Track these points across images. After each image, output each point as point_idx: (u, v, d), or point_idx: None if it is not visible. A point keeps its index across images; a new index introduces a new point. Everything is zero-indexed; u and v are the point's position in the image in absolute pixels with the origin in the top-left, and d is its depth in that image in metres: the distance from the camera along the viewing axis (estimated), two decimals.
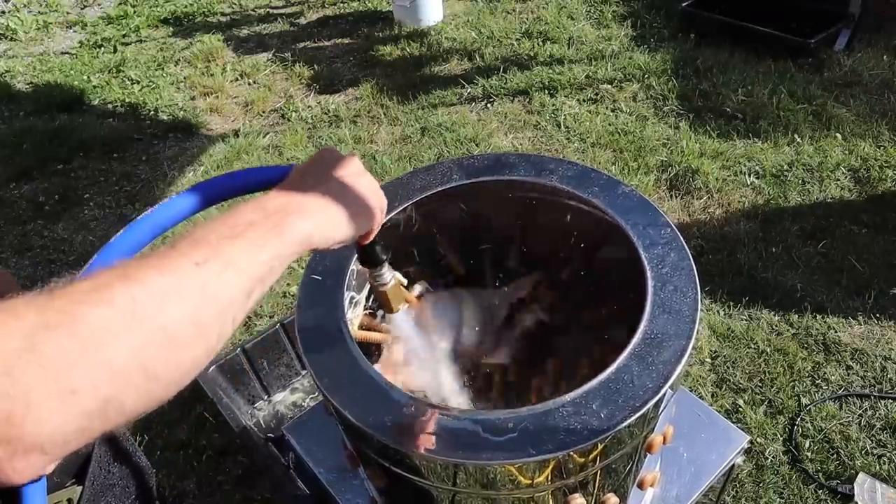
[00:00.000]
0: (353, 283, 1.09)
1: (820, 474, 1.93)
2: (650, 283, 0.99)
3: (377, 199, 0.78)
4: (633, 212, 1.10)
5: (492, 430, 0.84)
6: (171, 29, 4.72)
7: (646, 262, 1.02)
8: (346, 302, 1.04)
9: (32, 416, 0.43)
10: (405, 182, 1.21)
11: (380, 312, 1.20)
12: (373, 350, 1.21)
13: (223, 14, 4.85)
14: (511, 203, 1.25)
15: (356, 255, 1.09)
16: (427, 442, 0.84)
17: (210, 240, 0.57)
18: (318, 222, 0.68)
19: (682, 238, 1.05)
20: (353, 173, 0.76)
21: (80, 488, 0.85)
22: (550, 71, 3.70)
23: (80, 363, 0.45)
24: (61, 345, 0.45)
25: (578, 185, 1.16)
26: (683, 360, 0.89)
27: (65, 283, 0.49)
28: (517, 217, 1.28)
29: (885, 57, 3.47)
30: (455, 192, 1.21)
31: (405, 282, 1.00)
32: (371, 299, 1.17)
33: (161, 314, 0.51)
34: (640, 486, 1.15)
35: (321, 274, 1.07)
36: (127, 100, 3.95)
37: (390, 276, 0.94)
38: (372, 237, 0.84)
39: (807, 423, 2.04)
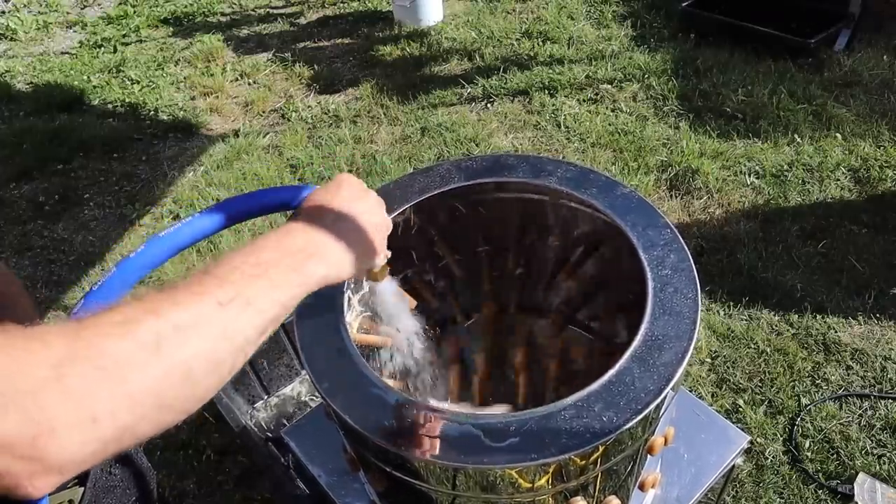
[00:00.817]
0: (352, 285, 1.09)
1: (820, 474, 1.93)
2: (650, 284, 0.99)
3: (383, 233, 0.84)
4: (632, 213, 1.10)
5: (493, 433, 0.84)
6: (171, 29, 4.72)
7: (646, 264, 1.01)
8: (345, 304, 1.04)
9: (55, 441, 0.46)
10: (404, 184, 1.21)
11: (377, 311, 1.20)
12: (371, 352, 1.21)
13: (223, 14, 4.85)
14: (510, 205, 1.25)
15: None
16: (427, 445, 0.84)
17: (234, 279, 0.60)
18: (334, 264, 0.73)
19: (681, 239, 1.05)
20: (368, 210, 0.80)
21: (81, 489, 0.85)
22: (550, 71, 3.70)
23: (102, 394, 0.48)
24: (86, 376, 0.48)
25: (577, 187, 1.15)
26: (684, 362, 0.89)
27: (91, 314, 0.52)
28: (516, 219, 1.28)
29: (885, 57, 3.47)
30: (454, 193, 1.21)
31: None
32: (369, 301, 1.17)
33: (182, 350, 0.54)
34: (641, 487, 1.15)
35: None
36: (127, 100, 3.95)
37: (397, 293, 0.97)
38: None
39: (807, 423, 2.04)
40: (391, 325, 1.09)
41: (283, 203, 0.80)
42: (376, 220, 0.81)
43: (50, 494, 0.66)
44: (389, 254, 0.91)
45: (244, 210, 0.80)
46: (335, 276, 0.73)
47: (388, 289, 1.04)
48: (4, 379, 0.45)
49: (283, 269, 0.64)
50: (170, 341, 0.53)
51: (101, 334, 0.50)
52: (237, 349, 0.58)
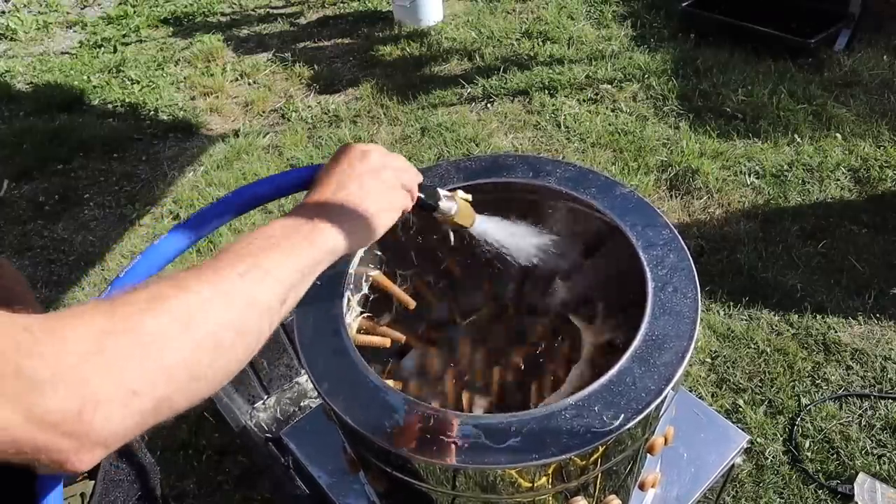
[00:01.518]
0: (352, 285, 1.09)
1: (820, 474, 1.93)
2: (650, 284, 0.99)
3: (407, 179, 0.81)
4: (631, 213, 1.10)
5: (493, 433, 0.84)
6: (171, 29, 4.72)
7: (645, 264, 1.01)
8: (345, 305, 1.04)
9: (100, 414, 0.48)
10: None
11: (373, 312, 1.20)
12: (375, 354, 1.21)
13: (223, 14, 4.85)
14: (510, 205, 1.25)
15: (356, 262, 1.09)
16: (427, 446, 0.84)
17: (251, 251, 0.63)
18: (347, 230, 0.72)
19: (681, 239, 1.05)
20: (374, 169, 0.77)
21: (92, 482, 0.85)
22: (550, 71, 3.70)
23: (141, 367, 0.51)
24: (125, 350, 0.50)
25: (576, 187, 1.15)
26: (685, 362, 0.89)
27: (123, 291, 0.55)
28: (516, 219, 1.28)
29: (885, 57, 3.47)
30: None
31: (468, 196, 0.98)
32: (368, 302, 1.17)
33: (210, 321, 0.56)
34: (642, 487, 1.15)
35: (320, 277, 1.07)
36: (127, 100, 3.95)
37: (452, 205, 0.92)
38: (411, 207, 0.85)
39: (807, 423, 2.04)
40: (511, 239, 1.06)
41: (299, 183, 0.80)
42: (386, 175, 0.78)
43: (65, 486, 0.67)
44: (469, 196, 0.89)
45: (263, 193, 0.80)
46: (355, 242, 0.73)
47: (488, 226, 1.01)
48: (49, 357, 0.46)
49: (296, 239, 0.67)
50: (199, 314, 0.55)
51: (136, 310, 0.52)
52: (261, 316, 0.61)
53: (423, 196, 0.87)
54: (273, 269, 0.63)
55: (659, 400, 0.85)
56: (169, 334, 0.53)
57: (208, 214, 0.77)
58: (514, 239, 1.07)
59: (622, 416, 0.84)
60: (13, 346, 0.45)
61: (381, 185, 0.77)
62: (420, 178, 0.85)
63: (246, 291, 0.60)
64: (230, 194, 0.79)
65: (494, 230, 1.03)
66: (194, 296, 0.56)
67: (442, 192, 0.91)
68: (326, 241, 0.70)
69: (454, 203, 0.93)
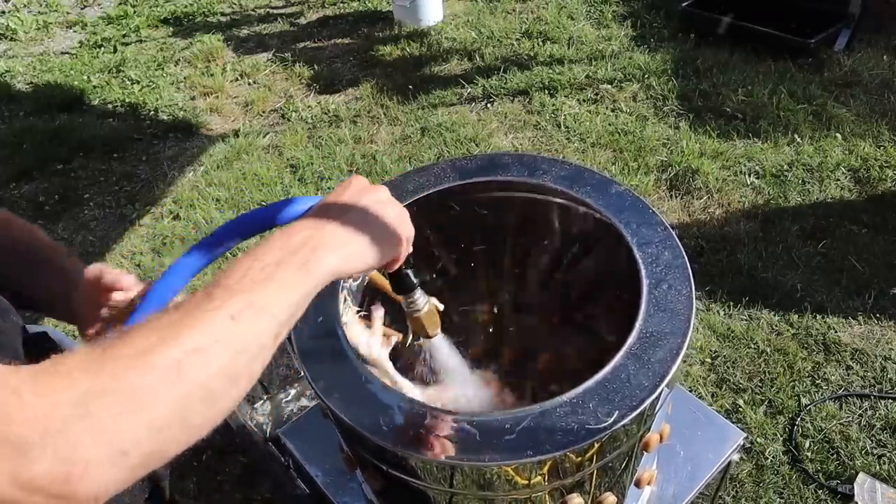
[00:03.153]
0: (348, 285, 1.09)
1: (820, 474, 1.92)
2: (644, 281, 0.99)
3: (404, 228, 0.78)
4: (626, 211, 1.10)
5: (489, 431, 0.84)
6: (171, 29, 4.72)
7: (640, 261, 1.01)
8: (341, 304, 1.04)
9: (89, 476, 0.48)
10: (399, 183, 1.21)
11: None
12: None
13: (223, 14, 4.85)
14: (505, 204, 1.25)
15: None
16: (424, 444, 0.84)
17: (244, 285, 0.60)
18: (344, 255, 0.69)
19: (675, 236, 1.05)
20: (379, 200, 0.76)
21: None
22: (550, 71, 3.70)
23: (129, 426, 0.50)
24: (112, 411, 0.49)
25: (571, 185, 1.15)
26: (679, 359, 0.89)
27: (111, 341, 0.53)
28: (511, 217, 1.28)
29: (885, 57, 3.46)
30: (449, 192, 1.20)
31: (441, 306, 0.98)
32: (367, 303, 1.17)
33: (201, 373, 0.54)
34: (638, 484, 1.15)
35: None
36: (127, 100, 3.96)
37: (424, 301, 0.92)
38: (398, 265, 0.83)
39: (807, 423, 2.04)
40: (448, 381, 1.09)
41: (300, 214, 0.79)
42: (390, 210, 0.76)
43: None
44: (441, 306, 0.87)
45: (262, 221, 0.79)
46: (350, 267, 0.70)
47: (441, 345, 1.02)
48: (36, 422, 0.46)
49: (292, 268, 0.64)
50: (188, 366, 0.54)
51: (122, 367, 0.51)
52: (253, 359, 0.59)
53: (409, 271, 0.87)
54: (268, 305, 0.60)
55: (653, 397, 0.85)
56: (157, 391, 0.52)
57: (222, 231, 0.77)
58: (455, 373, 1.08)
59: (617, 412, 0.83)
60: (1, 410, 0.46)
61: (385, 216, 0.76)
62: (413, 234, 0.82)
63: (238, 335, 0.58)
64: (237, 219, 0.79)
65: (446, 355, 1.04)
66: (182, 348, 0.54)
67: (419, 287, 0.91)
68: (323, 268, 0.66)
69: (427, 302, 0.92)
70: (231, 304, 0.58)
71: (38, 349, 0.83)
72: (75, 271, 0.99)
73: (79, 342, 1.06)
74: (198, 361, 0.54)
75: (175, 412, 0.53)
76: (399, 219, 0.78)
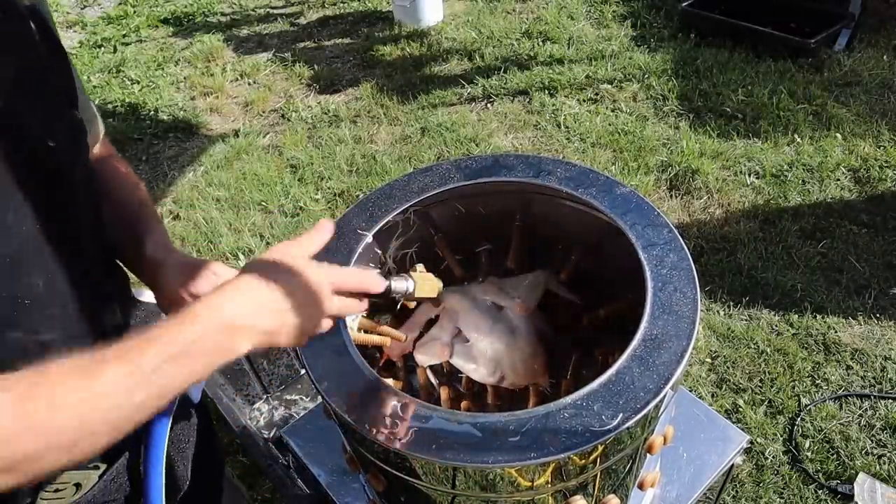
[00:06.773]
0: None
1: (820, 474, 1.93)
2: (650, 283, 0.99)
3: (325, 289, 0.74)
4: (631, 212, 1.10)
5: (492, 432, 0.84)
6: (171, 29, 4.72)
7: (645, 263, 1.01)
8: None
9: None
10: (403, 184, 1.21)
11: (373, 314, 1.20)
12: (375, 352, 1.21)
13: (223, 14, 4.85)
14: (509, 204, 1.25)
15: (354, 260, 1.09)
16: (426, 444, 0.84)
17: (145, 370, 0.60)
18: (261, 339, 0.68)
19: (681, 238, 1.05)
20: (299, 272, 0.72)
21: (94, 473, 0.84)
22: (550, 71, 3.70)
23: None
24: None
25: (577, 187, 1.15)
26: (684, 361, 0.89)
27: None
28: (516, 218, 1.28)
29: (885, 57, 3.47)
30: (453, 193, 1.21)
31: (420, 267, 1.00)
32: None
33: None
34: (641, 486, 1.15)
35: None
36: (127, 100, 3.95)
37: (407, 284, 0.90)
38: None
39: (807, 423, 2.04)
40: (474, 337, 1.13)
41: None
42: (314, 279, 0.72)
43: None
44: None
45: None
46: (267, 344, 0.69)
47: (454, 307, 1.05)
48: None
49: (204, 350, 0.63)
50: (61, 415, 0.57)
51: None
52: (127, 423, 0.61)
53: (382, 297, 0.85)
54: (167, 391, 0.62)
55: (657, 399, 0.85)
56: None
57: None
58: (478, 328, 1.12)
59: (621, 415, 0.83)
60: None
61: (309, 288, 0.72)
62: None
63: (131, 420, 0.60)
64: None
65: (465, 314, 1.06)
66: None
67: (393, 277, 0.89)
68: (237, 352, 0.66)
69: (409, 281, 0.91)
70: (136, 394, 0.60)
71: None
72: (165, 248, 0.96)
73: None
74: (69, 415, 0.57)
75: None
76: (318, 287, 0.73)
